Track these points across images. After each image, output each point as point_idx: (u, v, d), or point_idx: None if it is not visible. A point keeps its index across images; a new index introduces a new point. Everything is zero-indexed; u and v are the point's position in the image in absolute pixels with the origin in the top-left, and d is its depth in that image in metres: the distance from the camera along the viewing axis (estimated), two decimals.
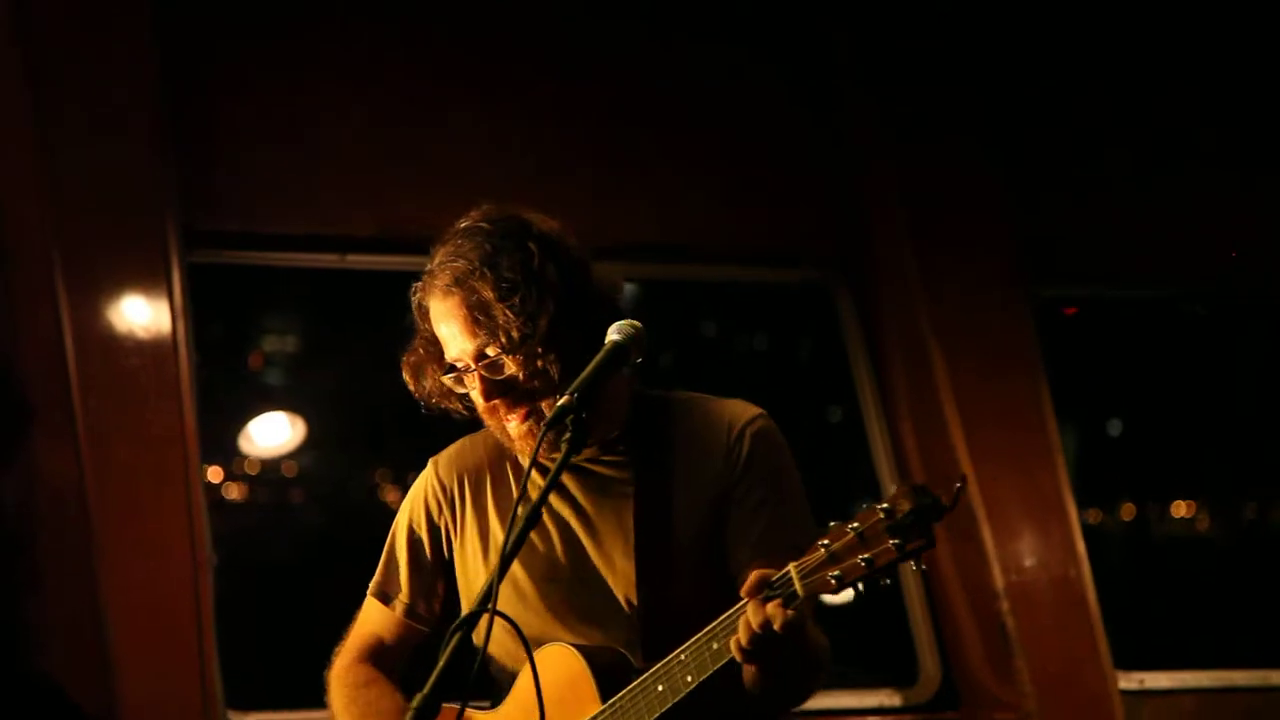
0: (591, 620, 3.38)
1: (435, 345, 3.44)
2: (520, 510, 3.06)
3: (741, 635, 3.00)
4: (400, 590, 3.59)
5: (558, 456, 3.11)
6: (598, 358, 3.24)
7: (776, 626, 2.96)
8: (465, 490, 3.55)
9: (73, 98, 6.19)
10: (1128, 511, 7.91)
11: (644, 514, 3.37)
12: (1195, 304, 8.03)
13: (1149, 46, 7.61)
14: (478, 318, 3.32)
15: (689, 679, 3.11)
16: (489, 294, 3.32)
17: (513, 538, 3.00)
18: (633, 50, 7.13)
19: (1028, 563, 6.87)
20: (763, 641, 2.99)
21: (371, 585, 3.64)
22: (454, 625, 2.87)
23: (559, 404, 3.13)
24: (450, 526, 3.55)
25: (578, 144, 6.97)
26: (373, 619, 3.64)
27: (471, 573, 3.50)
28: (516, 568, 3.42)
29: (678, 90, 7.15)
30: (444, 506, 3.56)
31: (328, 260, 6.86)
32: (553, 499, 3.40)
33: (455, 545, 3.54)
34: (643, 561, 3.34)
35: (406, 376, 3.52)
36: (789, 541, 3.19)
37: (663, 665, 3.15)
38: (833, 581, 2.91)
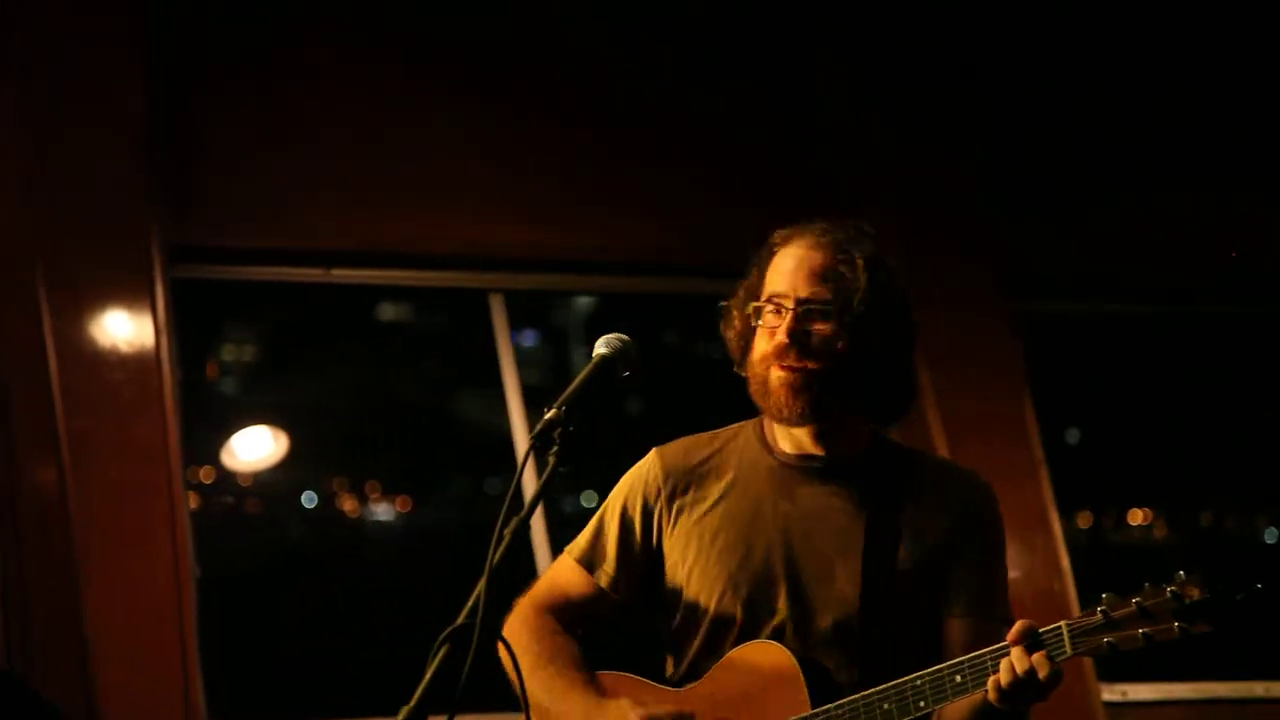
0: (802, 627, 3.40)
1: (752, 289, 3.53)
2: (513, 522, 3.06)
3: (1004, 676, 3.07)
4: (606, 561, 3.61)
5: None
6: (585, 371, 3.26)
7: (1041, 676, 3.04)
8: (687, 486, 3.58)
9: (58, 114, 6.21)
10: (1084, 519, 7.93)
11: (873, 537, 3.42)
12: (1177, 318, 8.05)
13: (1134, 63, 7.66)
14: (833, 272, 3.44)
15: (921, 704, 3.17)
16: (856, 266, 3.44)
17: (500, 549, 2.99)
18: (615, 67, 7.15)
19: (1012, 575, 6.85)
20: (1021, 688, 3.06)
21: (574, 550, 3.66)
22: (441, 637, 2.87)
23: (546, 417, 3.13)
24: (665, 514, 3.58)
25: (561, 159, 6.98)
26: (569, 580, 3.66)
27: (680, 568, 3.53)
28: (736, 556, 3.47)
29: (661, 104, 7.17)
30: (662, 493, 3.58)
31: (313, 274, 6.87)
32: (780, 502, 3.48)
33: (665, 535, 3.57)
34: (868, 589, 3.38)
35: (723, 328, 3.61)
36: (999, 607, 3.37)
37: (893, 686, 3.20)
38: (1106, 647, 3.00)
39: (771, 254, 3.54)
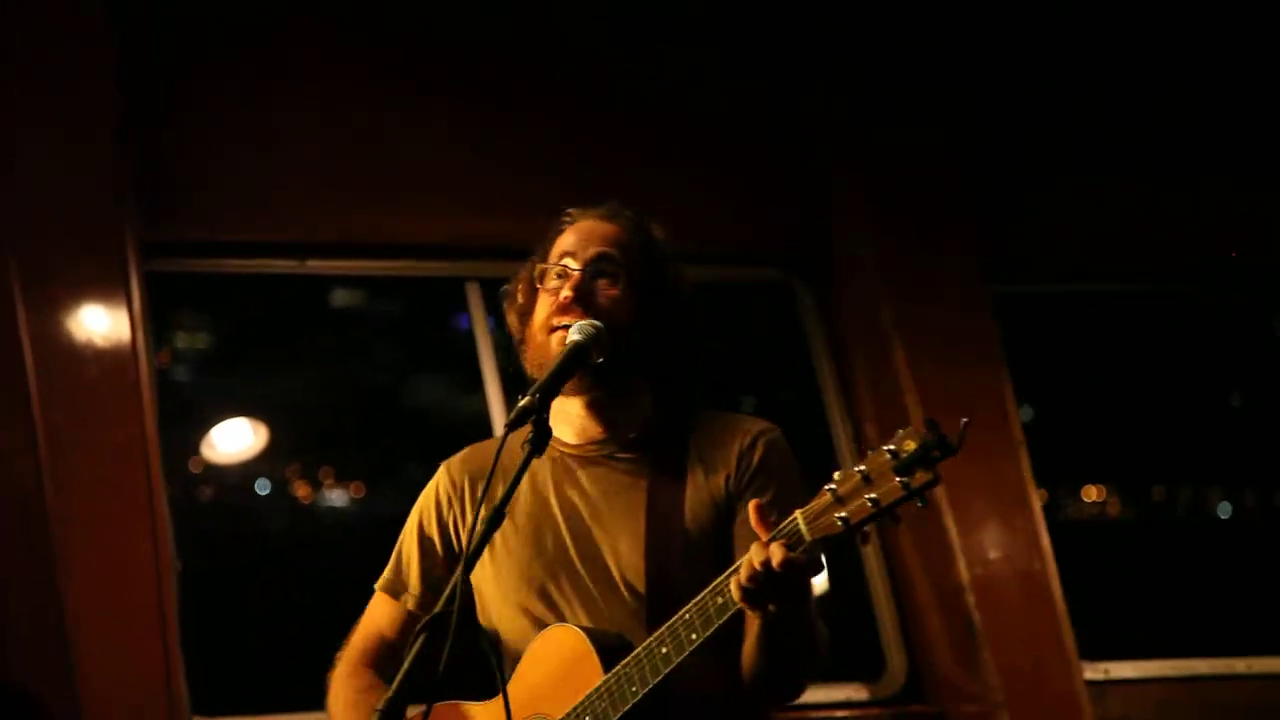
0: (597, 608, 3.40)
1: (538, 262, 3.56)
2: (483, 511, 3.08)
3: (743, 573, 3.03)
4: (411, 584, 3.61)
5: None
6: (560, 358, 3.28)
7: (775, 564, 2.98)
8: (474, 490, 3.58)
9: (30, 106, 6.18)
10: (1039, 497, 7.97)
11: (655, 508, 3.41)
12: (1155, 298, 8.08)
13: (1112, 44, 7.66)
14: (622, 241, 3.51)
15: (693, 636, 3.13)
16: (645, 238, 3.55)
17: (475, 538, 3.01)
18: (596, 53, 7.14)
19: (992, 555, 6.89)
20: (762, 583, 3.02)
21: (380, 582, 3.66)
22: (419, 626, 2.87)
23: (520, 405, 3.14)
24: (460, 523, 3.58)
25: (540, 147, 6.97)
26: (380, 616, 3.66)
27: (480, 572, 3.52)
28: (526, 556, 3.46)
29: (642, 92, 7.16)
30: (454, 504, 3.59)
31: (287, 266, 6.85)
32: (566, 489, 3.47)
33: (463, 543, 3.56)
34: (651, 552, 3.37)
35: (506, 307, 3.64)
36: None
37: (667, 628, 3.17)
38: (839, 524, 2.94)
39: (560, 229, 3.59)
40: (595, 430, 3.48)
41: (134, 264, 6.21)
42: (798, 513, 3.00)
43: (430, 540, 3.60)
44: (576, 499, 3.47)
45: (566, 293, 3.43)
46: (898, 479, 2.86)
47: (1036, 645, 6.87)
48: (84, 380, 6.06)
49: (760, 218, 7.28)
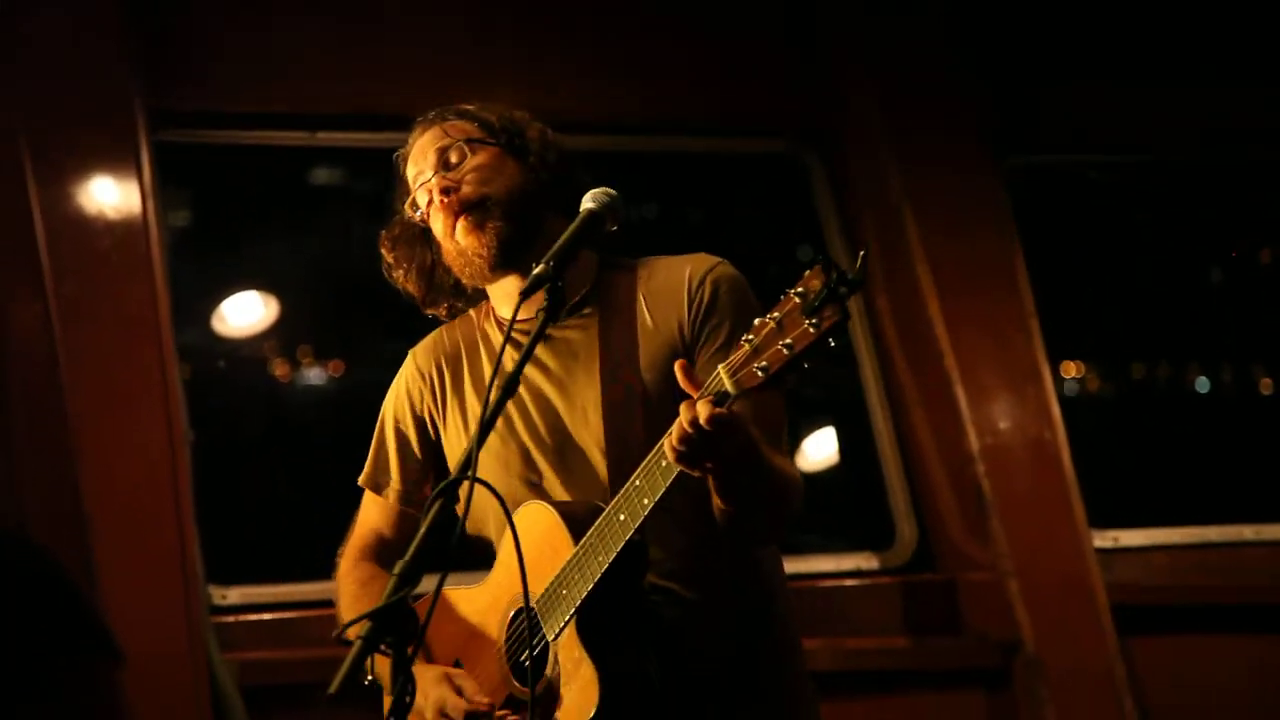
0: (573, 481, 3.41)
1: (405, 196, 3.62)
2: (496, 381, 3.08)
3: (674, 436, 3.01)
4: (391, 479, 3.64)
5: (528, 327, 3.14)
6: (573, 226, 3.28)
7: (703, 420, 2.95)
8: (445, 375, 3.60)
9: None
10: (1072, 368, 7.99)
11: (609, 368, 3.40)
12: (1151, 170, 8.06)
13: None
14: (444, 130, 3.56)
15: (645, 501, 3.12)
16: (461, 117, 3.60)
17: (490, 406, 3.01)
18: None
19: (1002, 425, 6.91)
20: (695, 442, 2.99)
21: (362, 478, 3.70)
22: (434, 492, 2.88)
23: (535, 272, 3.14)
24: (434, 411, 3.60)
25: (547, 18, 6.92)
26: (369, 513, 3.70)
27: (458, 452, 3.55)
28: (498, 441, 3.47)
29: None
30: (425, 393, 3.61)
31: (298, 138, 6.82)
32: (527, 371, 3.44)
33: (440, 429, 3.59)
34: (609, 413, 3.37)
35: (384, 251, 3.69)
36: None
37: (621, 495, 3.17)
38: (759, 373, 2.90)
39: (401, 170, 3.66)
40: (536, 300, 3.35)
41: (144, 134, 6.19)
42: (720, 367, 2.97)
43: (404, 434, 3.62)
44: (537, 374, 3.47)
45: (437, 195, 3.49)
46: (808, 322, 2.83)
47: (1046, 514, 6.90)
48: (96, 252, 6.05)
49: (770, 90, 7.23)
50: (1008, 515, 6.80)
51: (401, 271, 3.69)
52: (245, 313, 7.17)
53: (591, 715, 3.19)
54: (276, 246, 7.22)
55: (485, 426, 2.97)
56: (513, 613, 3.37)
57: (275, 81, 6.61)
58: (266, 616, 6.19)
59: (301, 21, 6.62)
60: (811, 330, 2.83)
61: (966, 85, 7.31)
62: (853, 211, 7.23)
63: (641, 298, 3.45)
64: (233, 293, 7.08)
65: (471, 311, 3.69)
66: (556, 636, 3.26)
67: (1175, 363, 8.13)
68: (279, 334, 7.22)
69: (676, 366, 3.05)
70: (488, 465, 3.41)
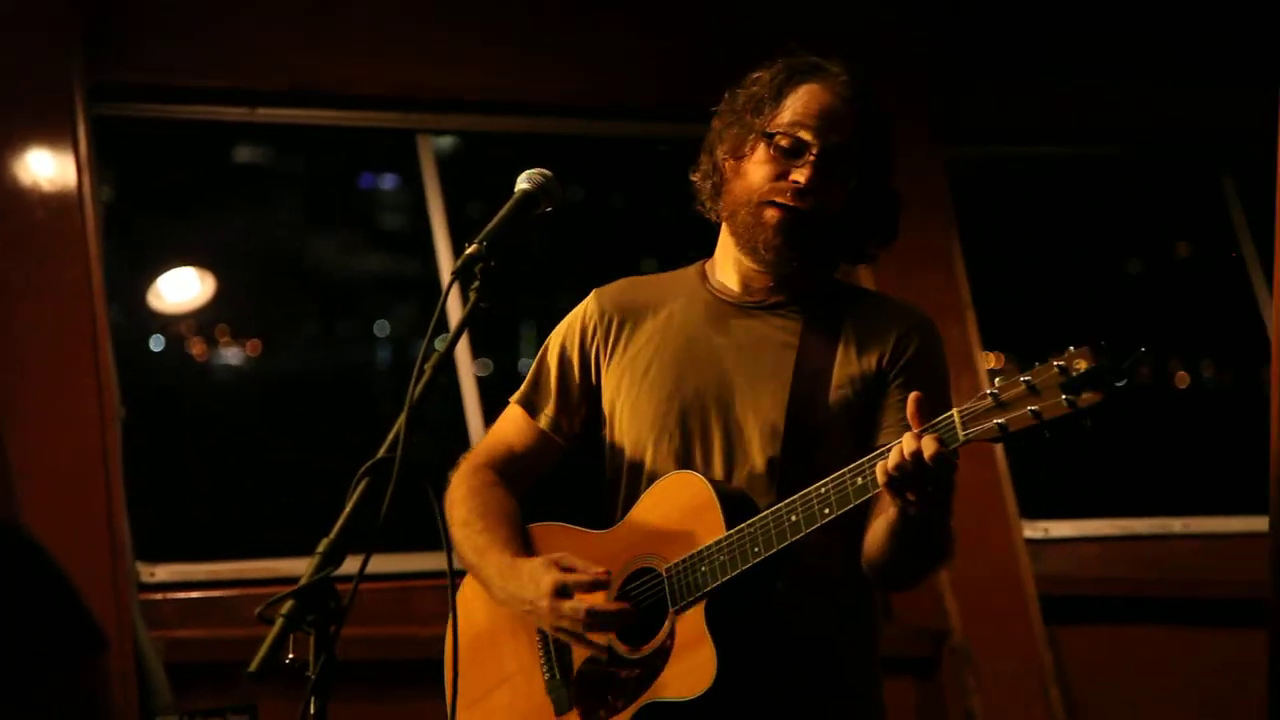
0: (727, 459, 3.41)
1: (757, 112, 3.48)
2: (432, 358, 3.06)
3: (891, 460, 3.01)
4: (548, 403, 3.61)
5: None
6: (506, 206, 3.26)
7: (927, 457, 2.96)
8: (623, 324, 3.57)
9: None
10: (990, 359, 8.02)
11: (802, 370, 3.40)
12: (1105, 163, 8.12)
13: None
14: (857, 127, 3.43)
15: (827, 511, 3.12)
16: (876, 124, 3.47)
17: (420, 384, 2.99)
18: None
19: None
20: (908, 473, 2.99)
21: (517, 395, 3.66)
22: (361, 470, 2.87)
23: (467, 252, 3.12)
24: (602, 352, 3.57)
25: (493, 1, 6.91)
26: (512, 427, 3.67)
27: (615, 402, 3.54)
28: (659, 393, 3.47)
29: None
30: (599, 331, 3.58)
31: (237, 114, 6.80)
32: (714, 335, 3.48)
33: (603, 372, 3.57)
34: (793, 415, 3.37)
35: (717, 126, 3.56)
36: None
37: (800, 497, 3.16)
38: (996, 429, 2.92)
39: (792, 80, 3.50)
40: (761, 284, 3.46)
41: (80, 108, 6.15)
42: (955, 410, 2.98)
43: (569, 363, 3.60)
44: (725, 346, 3.46)
45: (799, 179, 3.37)
46: (1064, 396, 2.85)
47: (977, 505, 6.92)
48: (30, 225, 6.02)
49: (708, 73, 7.20)
50: None
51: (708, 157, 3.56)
52: (178, 289, 7.14)
53: (699, 695, 3.21)
54: (201, 223, 7.17)
55: (412, 410, 2.95)
56: (633, 570, 3.37)
57: (215, 56, 6.57)
58: (194, 595, 6.18)
59: None
60: (1066, 405, 2.85)
61: (907, 73, 7.32)
62: None
63: (849, 324, 3.44)
64: (156, 269, 7.04)
65: (676, 272, 3.65)
66: (681, 609, 3.27)
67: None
68: (201, 313, 7.18)
69: (911, 398, 3.03)
70: (644, 414, 3.46)
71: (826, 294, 3.50)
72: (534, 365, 3.66)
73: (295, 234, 7.54)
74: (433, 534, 3.19)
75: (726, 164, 3.50)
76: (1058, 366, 2.87)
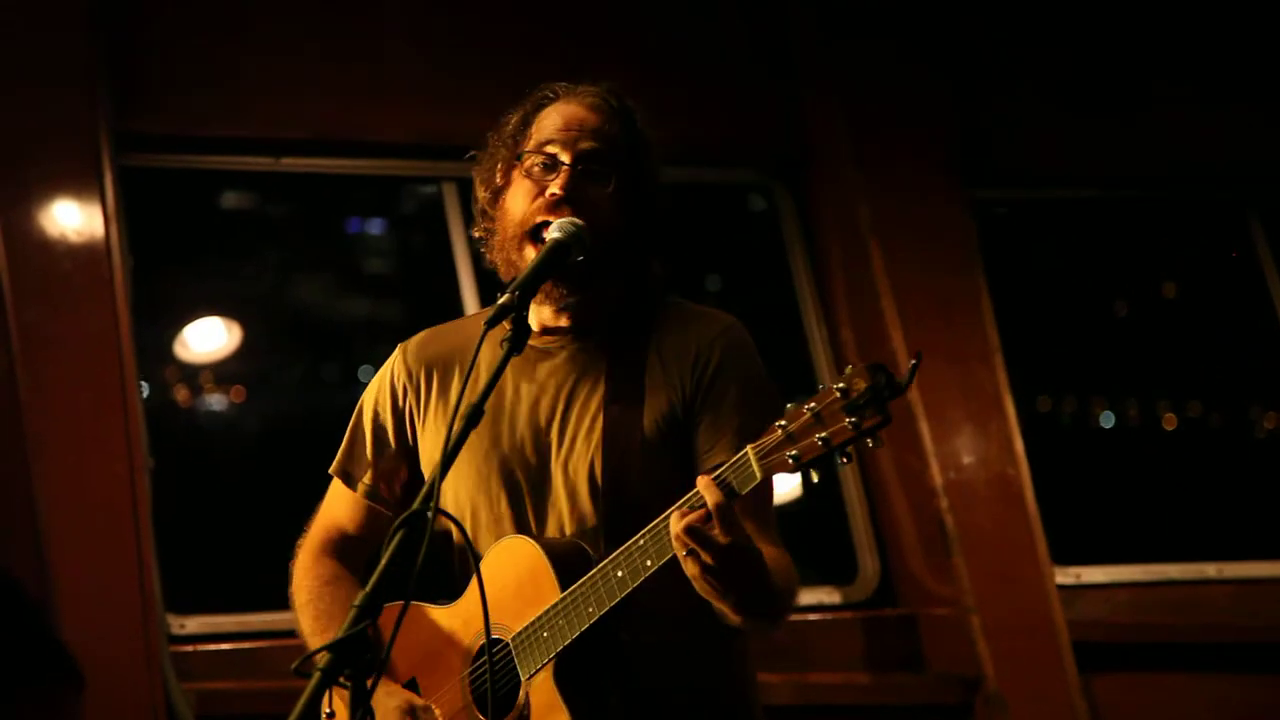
0: (553, 511, 3.35)
1: (511, 139, 3.44)
2: (461, 410, 3.03)
3: (685, 514, 2.97)
4: (365, 471, 3.55)
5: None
6: (539, 256, 3.24)
7: (711, 502, 2.93)
8: (433, 377, 3.49)
9: None
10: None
11: (612, 403, 3.33)
12: (1127, 205, 8.11)
13: None
14: (610, 136, 3.38)
15: (648, 563, 3.07)
16: (627, 128, 3.42)
17: (453, 438, 2.97)
18: None
19: (966, 460, 6.91)
20: (698, 529, 2.95)
21: (334, 466, 3.59)
22: (396, 523, 2.85)
23: (500, 302, 3.10)
24: (415, 411, 3.51)
25: (511, 43, 6.91)
26: (336, 504, 3.60)
27: (433, 459, 3.44)
28: (478, 454, 3.38)
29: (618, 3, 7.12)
30: (409, 391, 3.51)
31: (263, 163, 6.81)
32: (523, 384, 3.38)
33: (419, 431, 3.50)
34: (609, 458, 3.31)
35: (476, 177, 3.50)
36: None
37: (623, 551, 3.11)
38: (790, 461, 2.89)
39: (540, 107, 3.46)
40: (559, 320, 3.39)
41: (107, 158, 6.16)
42: (749, 448, 2.95)
43: (383, 427, 3.52)
44: (535, 393, 3.38)
45: (555, 190, 3.32)
46: (848, 419, 2.83)
47: (1008, 550, 6.90)
48: (58, 275, 6.02)
49: (738, 119, 7.24)
50: (970, 550, 6.81)
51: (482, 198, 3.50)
52: (203, 339, 7.13)
53: None
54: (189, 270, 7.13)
55: (447, 460, 2.94)
56: (482, 643, 3.30)
57: (239, 107, 6.58)
58: (225, 646, 6.16)
59: (267, 46, 6.61)
60: (850, 428, 2.83)
61: (935, 117, 7.33)
62: (820, 241, 7.24)
63: (655, 345, 3.38)
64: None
65: (475, 315, 3.58)
66: (530, 676, 3.22)
67: (1080, 397, 8.17)
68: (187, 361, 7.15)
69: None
70: (464, 475, 3.38)
71: (631, 317, 3.42)
72: (348, 431, 3.58)
73: (281, 279, 7.50)
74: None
75: (489, 206, 3.45)
76: (838, 390, 2.85)
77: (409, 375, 3.52)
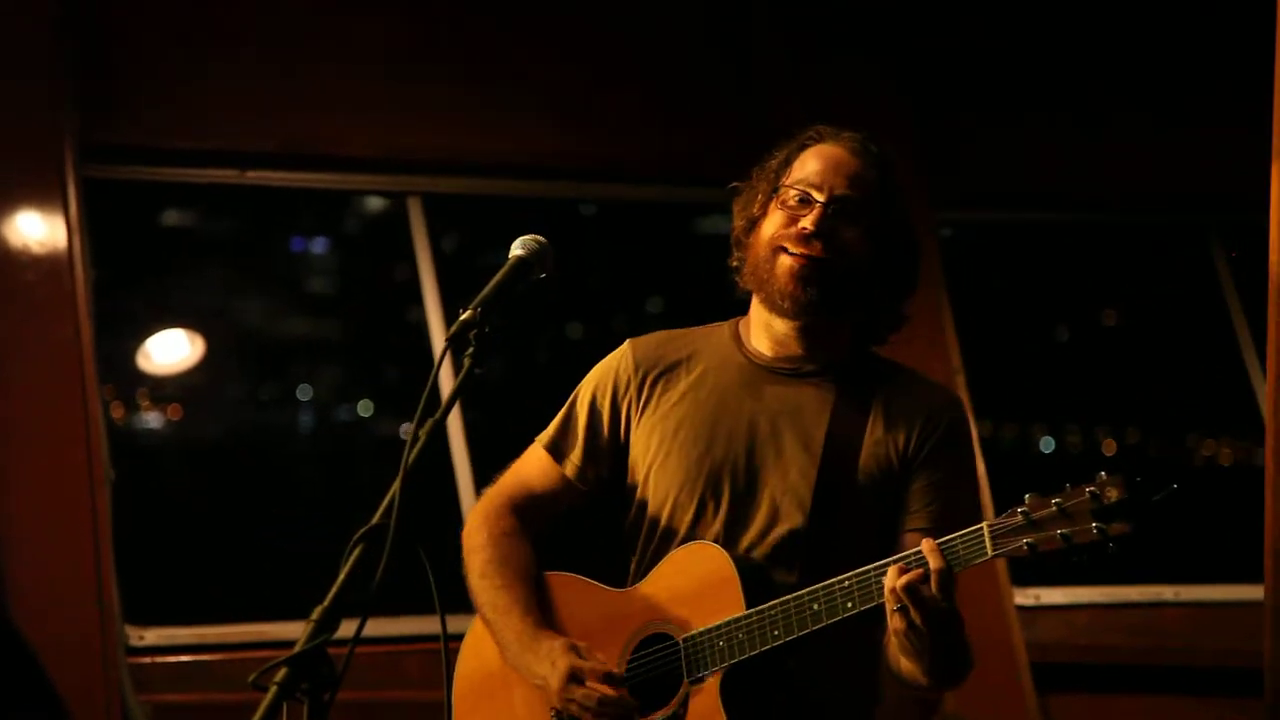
0: (750, 526, 3.40)
1: (773, 175, 3.54)
2: (427, 424, 3.04)
3: (906, 574, 3.04)
4: (575, 450, 3.60)
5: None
6: (500, 272, 3.24)
7: (934, 565, 3.02)
8: (656, 379, 3.57)
9: None
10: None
11: (833, 442, 3.40)
12: (1096, 227, 8.15)
13: None
14: (864, 180, 3.45)
15: (849, 605, 3.14)
16: (887, 181, 3.49)
17: (415, 450, 2.98)
18: None
19: None
20: (914, 586, 3.03)
21: (543, 438, 3.65)
22: (357, 536, 2.85)
23: (461, 318, 3.12)
24: (634, 409, 3.57)
25: (486, 64, 6.93)
26: (535, 470, 3.65)
27: (640, 456, 3.53)
28: (696, 455, 3.46)
29: (584, 9, 7.11)
30: (631, 387, 3.58)
31: (227, 176, 6.80)
32: (748, 399, 3.47)
33: (634, 428, 3.57)
34: (821, 488, 3.37)
35: (735, 208, 3.62)
36: (964, 524, 3.27)
37: (823, 587, 3.17)
38: (1025, 548, 2.98)
39: (803, 147, 3.55)
40: (793, 349, 3.47)
41: (71, 169, 6.15)
42: (984, 525, 3.03)
43: (599, 414, 3.59)
44: (758, 411, 3.46)
45: (807, 225, 3.40)
46: (1094, 524, 2.92)
47: (967, 571, 6.90)
48: (20, 286, 6.01)
49: (708, 137, 7.26)
50: None
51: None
52: (178, 349, 7.13)
53: None
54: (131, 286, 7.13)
55: (407, 472, 2.94)
56: (646, 635, 3.38)
57: (204, 119, 6.58)
58: (184, 658, 6.14)
59: (233, 59, 6.61)
60: (1095, 533, 2.92)
61: (898, 139, 7.33)
62: None
63: (880, 400, 3.45)
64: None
65: (710, 326, 3.66)
66: (696, 681, 3.29)
67: (1022, 422, 8.23)
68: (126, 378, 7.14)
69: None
70: (672, 472, 3.46)
71: (859, 365, 3.50)
72: (563, 410, 3.65)
73: (221, 297, 7.50)
74: (422, 597, 3.17)
75: (744, 235, 3.54)
76: (1089, 493, 2.94)
77: (635, 370, 3.59)
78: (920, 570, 3.04)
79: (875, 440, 3.41)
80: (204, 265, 7.40)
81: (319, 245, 7.89)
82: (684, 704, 3.29)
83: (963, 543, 3.05)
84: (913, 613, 3.04)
